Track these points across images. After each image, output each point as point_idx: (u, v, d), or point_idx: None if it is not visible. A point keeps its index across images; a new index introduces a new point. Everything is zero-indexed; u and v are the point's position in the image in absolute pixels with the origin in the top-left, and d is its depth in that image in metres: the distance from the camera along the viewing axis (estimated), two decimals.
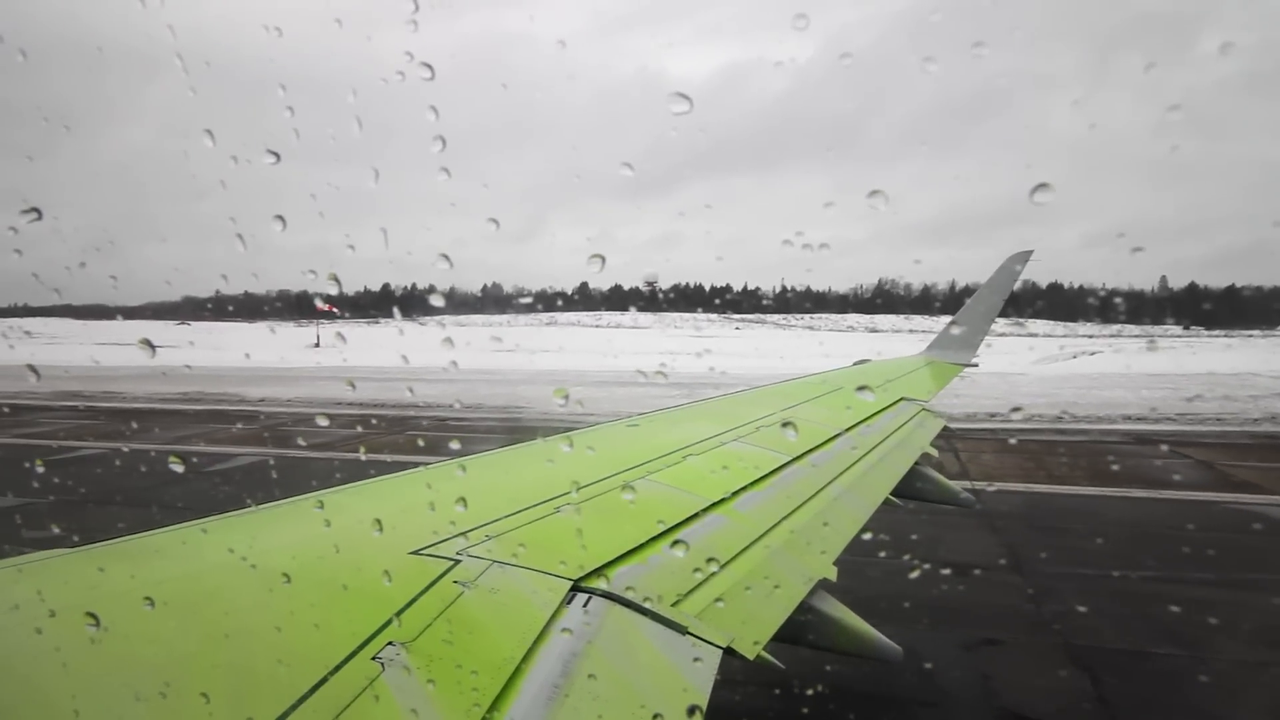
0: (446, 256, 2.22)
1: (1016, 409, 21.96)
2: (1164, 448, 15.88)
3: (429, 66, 2.12)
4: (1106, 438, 17.37)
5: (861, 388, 5.84)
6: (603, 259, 2.41)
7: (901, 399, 5.54)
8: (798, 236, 2.86)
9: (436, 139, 2.21)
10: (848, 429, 4.20)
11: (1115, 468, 14.16)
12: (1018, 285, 8.11)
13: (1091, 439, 17.26)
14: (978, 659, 6.43)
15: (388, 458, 14.17)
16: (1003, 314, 8.49)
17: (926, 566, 8.48)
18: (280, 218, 2.20)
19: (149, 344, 2.59)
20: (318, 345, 52.57)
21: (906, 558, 8.64)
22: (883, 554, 8.58)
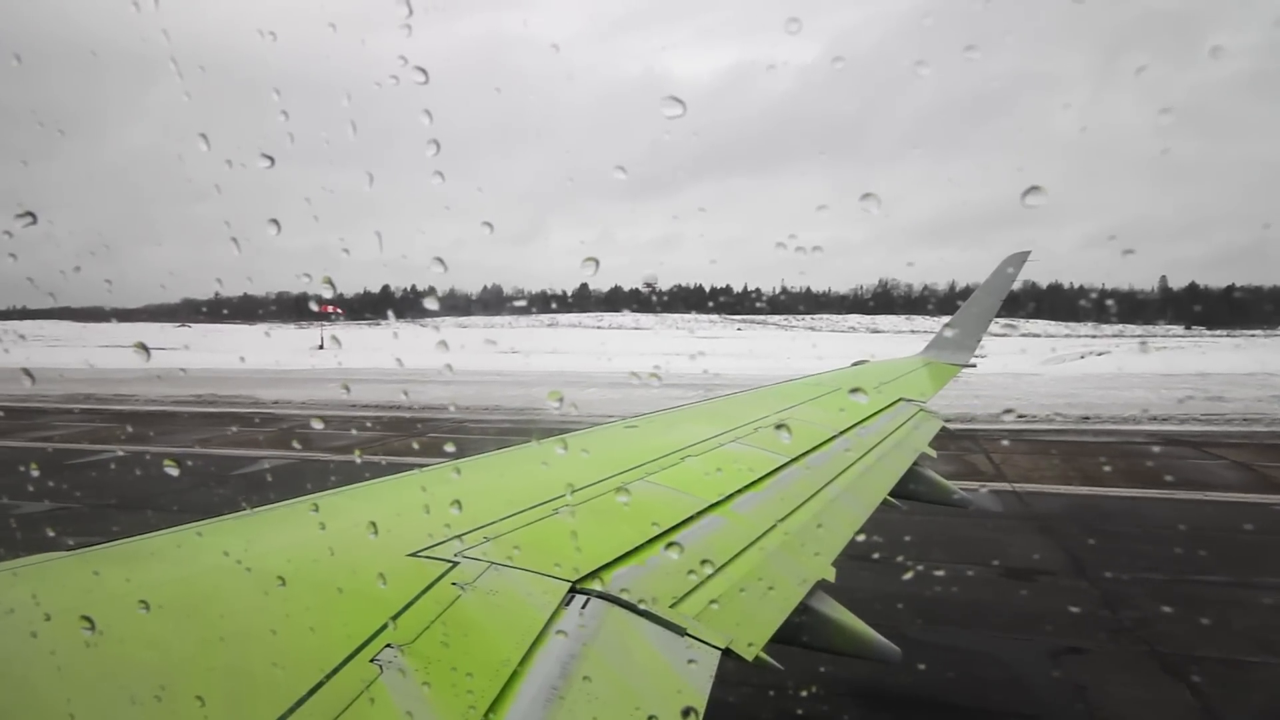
0: (441, 260, 2.22)
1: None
2: (1197, 449, 15.84)
3: (422, 70, 2.13)
4: (1135, 439, 17.33)
5: (859, 389, 5.84)
6: (596, 262, 2.41)
7: (900, 400, 5.54)
8: (791, 239, 2.86)
9: (436, 142, 2.21)
10: (845, 430, 4.20)
11: (1154, 469, 14.07)
12: (1018, 286, 8.11)
13: (1122, 440, 17.21)
14: (1067, 668, 6.26)
15: (419, 460, 14.15)
16: (1003, 314, 8.49)
17: (990, 572, 8.43)
18: (274, 221, 2.20)
19: (144, 347, 2.59)
20: (321, 347, 52.66)
21: (973, 563, 8.60)
22: (949, 559, 8.63)
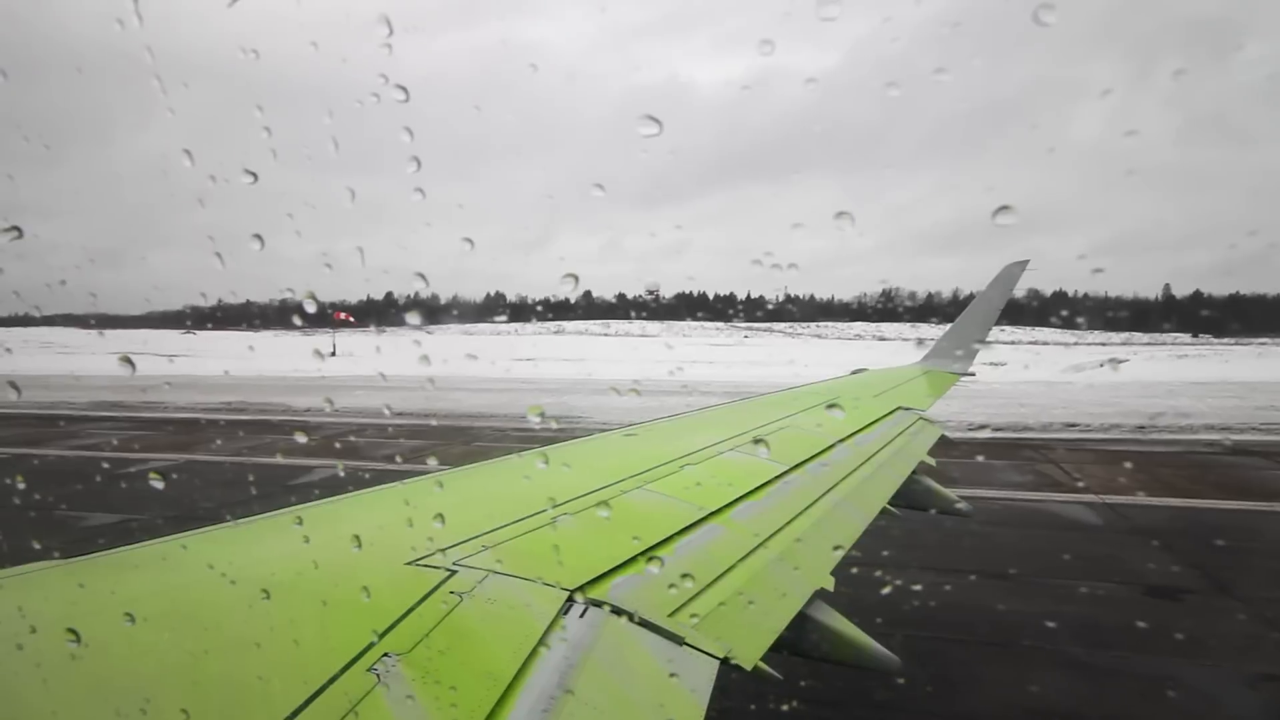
0: (425, 271, 2.23)
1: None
2: (1272, 460, 15.53)
3: (402, 87, 2.14)
4: (1197, 448, 16.99)
5: (858, 397, 5.83)
6: (576, 278, 2.42)
7: (899, 408, 5.53)
8: (766, 256, 2.86)
9: (417, 157, 2.22)
10: (844, 438, 4.19)
11: (1236, 480, 13.69)
12: (1021, 294, 8.11)
13: (1187, 449, 16.81)
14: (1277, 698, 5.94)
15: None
16: (1012, 322, 8.49)
17: (1128, 590, 8.18)
18: (259, 236, 2.21)
19: (129, 360, 2.62)
20: (334, 354, 52.79)
21: (1105, 580, 8.37)
22: (1080, 576, 8.41)
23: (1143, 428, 20.02)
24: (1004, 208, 2.06)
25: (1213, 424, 20.25)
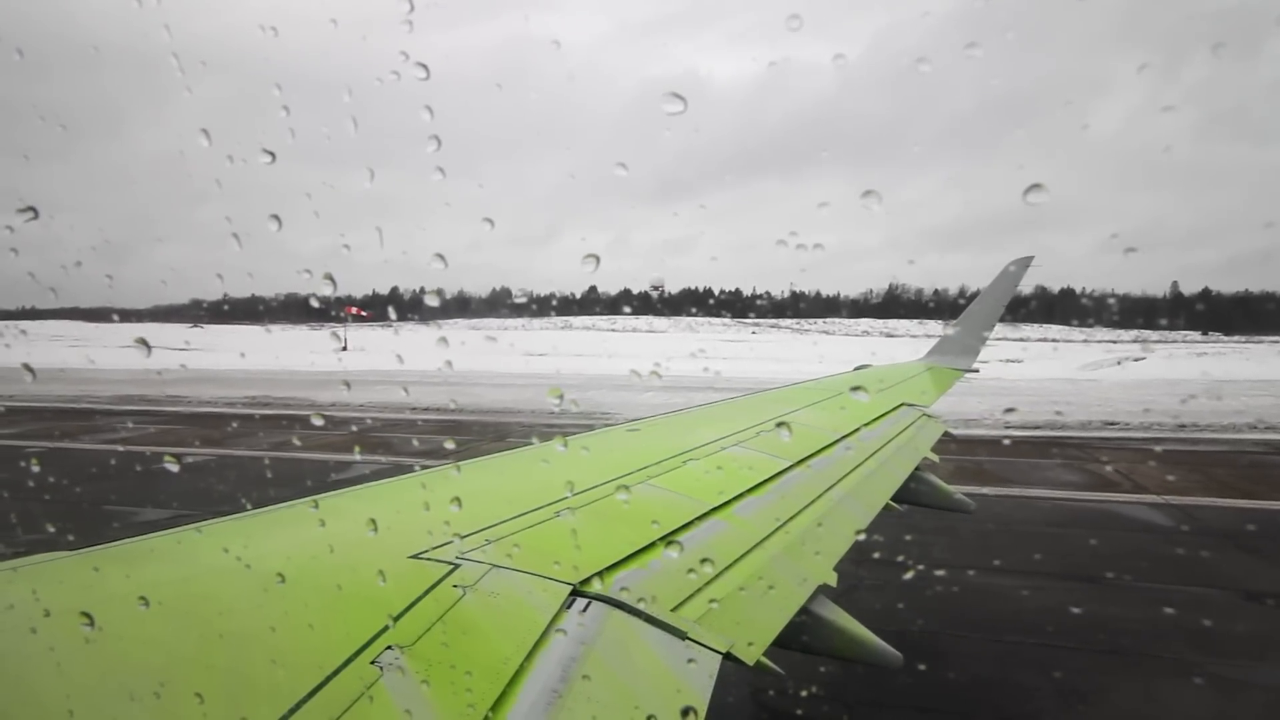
0: (441, 257, 2.23)
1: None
2: None
3: (424, 67, 2.14)
4: (1245, 447, 16.61)
5: (861, 392, 5.83)
6: (597, 259, 2.41)
7: (902, 404, 5.53)
8: (793, 236, 2.84)
9: (441, 142, 2.22)
10: (848, 434, 4.19)
11: None
12: (1028, 290, 8.07)
13: (1234, 449, 16.37)
14: None
15: None
16: (1019, 319, 8.46)
17: (1230, 597, 7.87)
18: (276, 217, 2.21)
19: (145, 343, 2.64)
20: (345, 349, 53.04)
21: (1202, 585, 8.13)
22: (1175, 581, 8.16)
23: (1183, 426, 19.50)
24: (1035, 186, 2.04)
25: (1252, 423, 19.74)
